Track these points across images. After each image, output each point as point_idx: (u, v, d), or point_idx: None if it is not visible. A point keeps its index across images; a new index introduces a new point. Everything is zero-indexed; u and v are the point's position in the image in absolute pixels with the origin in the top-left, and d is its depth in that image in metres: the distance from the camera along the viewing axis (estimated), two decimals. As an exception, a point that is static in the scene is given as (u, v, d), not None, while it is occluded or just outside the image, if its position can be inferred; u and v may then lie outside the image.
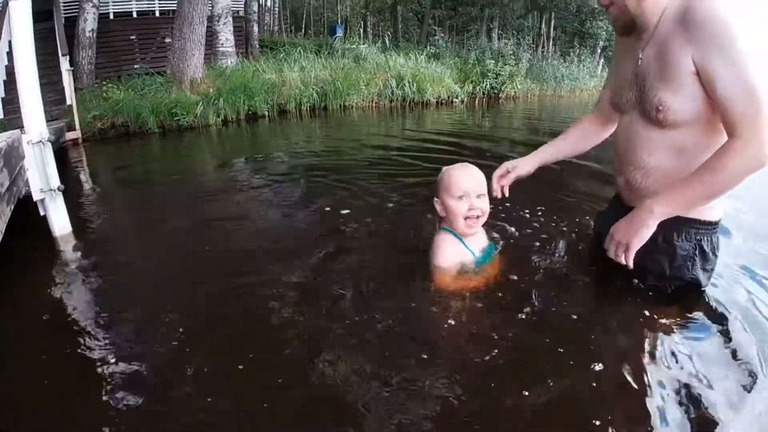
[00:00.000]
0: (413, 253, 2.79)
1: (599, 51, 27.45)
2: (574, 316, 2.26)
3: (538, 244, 2.97)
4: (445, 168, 2.62)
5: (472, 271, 2.56)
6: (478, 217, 2.51)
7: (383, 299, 2.40)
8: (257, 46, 17.23)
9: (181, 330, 2.18)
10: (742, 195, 2.67)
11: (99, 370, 1.89)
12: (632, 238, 2.12)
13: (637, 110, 2.26)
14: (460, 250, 2.58)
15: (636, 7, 2.13)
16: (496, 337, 2.08)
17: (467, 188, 2.48)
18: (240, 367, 1.91)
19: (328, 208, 3.81)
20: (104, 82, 9.92)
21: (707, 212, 2.19)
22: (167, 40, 12.93)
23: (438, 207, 2.60)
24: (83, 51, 11.87)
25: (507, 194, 2.70)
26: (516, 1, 24.60)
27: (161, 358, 1.99)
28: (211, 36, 12.65)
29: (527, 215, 3.47)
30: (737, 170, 1.90)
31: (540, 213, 3.50)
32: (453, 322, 2.20)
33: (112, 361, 1.94)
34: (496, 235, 2.95)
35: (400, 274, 2.62)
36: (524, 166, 2.70)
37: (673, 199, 2.06)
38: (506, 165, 2.69)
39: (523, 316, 2.23)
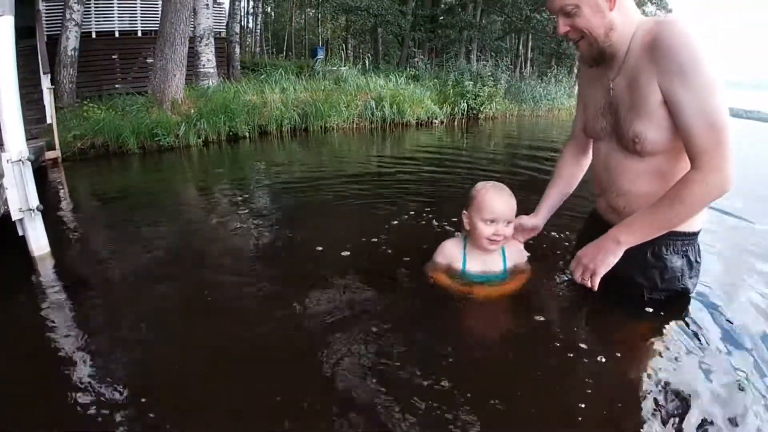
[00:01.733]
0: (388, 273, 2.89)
1: (576, 71, 27.81)
2: (568, 328, 2.38)
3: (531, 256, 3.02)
4: (480, 185, 2.72)
5: (458, 277, 2.67)
6: (499, 240, 2.61)
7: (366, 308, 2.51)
8: (239, 67, 17.30)
9: (158, 351, 2.23)
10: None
11: (76, 391, 1.90)
12: (599, 265, 2.20)
13: (614, 139, 2.30)
14: (456, 255, 2.71)
15: (605, 39, 2.16)
16: (488, 344, 2.18)
17: (499, 214, 2.58)
18: (222, 384, 1.97)
19: (303, 231, 3.89)
20: (85, 102, 9.92)
21: (690, 223, 2.26)
22: (149, 60, 12.93)
23: (465, 220, 2.71)
24: (65, 69, 11.85)
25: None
26: (494, 23, 24.91)
27: (139, 378, 2.01)
28: (193, 57, 12.69)
29: None
30: (696, 201, 1.98)
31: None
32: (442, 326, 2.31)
33: (90, 382, 1.96)
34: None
35: (381, 293, 2.71)
36: (536, 226, 2.84)
37: (637, 228, 2.14)
38: (521, 222, 2.79)
39: (518, 325, 2.33)
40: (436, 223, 4.03)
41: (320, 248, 3.40)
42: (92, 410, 1.78)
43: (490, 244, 2.63)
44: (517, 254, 2.77)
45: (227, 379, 2.01)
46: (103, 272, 3.27)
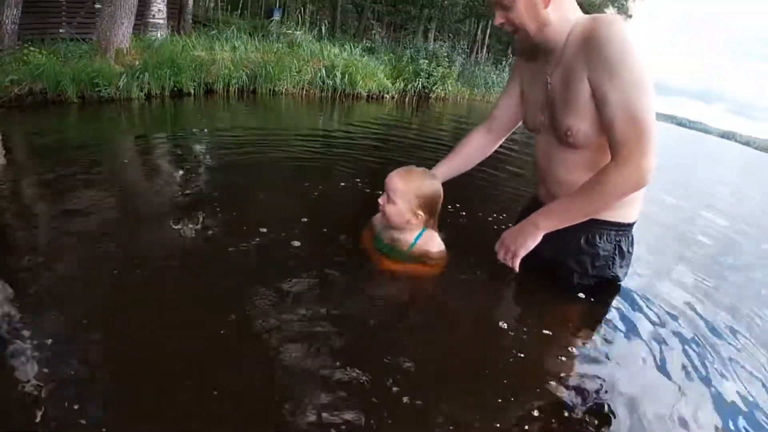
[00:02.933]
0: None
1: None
2: (496, 310, 2.49)
3: (460, 242, 3.09)
4: None
5: (376, 242, 2.88)
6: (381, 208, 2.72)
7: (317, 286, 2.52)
8: (190, 20, 16.83)
9: (85, 320, 2.11)
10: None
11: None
12: (519, 247, 2.32)
13: (551, 132, 2.41)
14: (376, 224, 2.95)
15: (538, 34, 2.26)
16: (412, 337, 2.22)
17: (386, 185, 2.69)
18: (166, 365, 1.91)
19: (240, 199, 3.88)
20: (26, 45, 9.55)
21: (624, 214, 2.41)
22: (97, 5, 12.50)
23: None
24: (8, 9, 11.26)
25: None
26: (455, 5, 24.87)
27: (68, 346, 1.93)
28: (143, 6, 12.29)
29: (453, 216, 3.72)
30: (611, 191, 2.09)
31: (462, 214, 3.79)
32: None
33: (16, 347, 1.87)
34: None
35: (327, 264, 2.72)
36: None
37: (554, 215, 2.26)
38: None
39: (448, 317, 2.39)
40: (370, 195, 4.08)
41: (254, 217, 3.40)
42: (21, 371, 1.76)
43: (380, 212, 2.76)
44: (430, 243, 2.80)
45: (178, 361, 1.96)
46: (31, 231, 3.10)
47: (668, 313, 2.73)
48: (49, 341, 1.92)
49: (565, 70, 2.19)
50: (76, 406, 1.63)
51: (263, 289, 2.40)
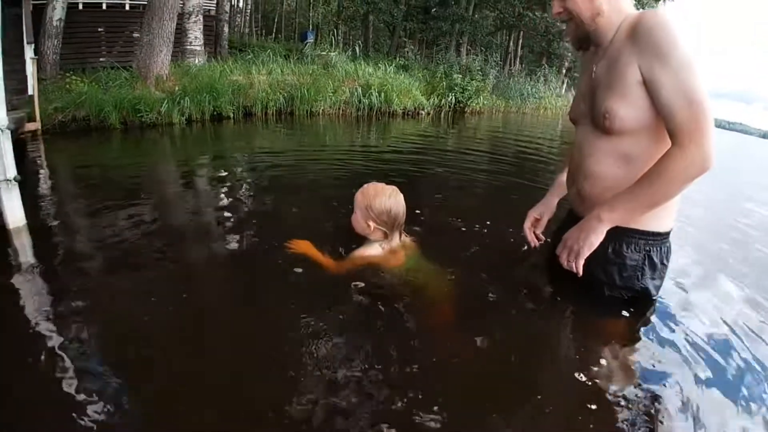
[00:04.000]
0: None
1: (564, 71, 27.94)
2: (530, 326, 2.38)
3: (497, 257, 3.08)
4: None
5: None
6: None
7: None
8: (226, 46, 17.16)
9: (129, 328, 2.18)
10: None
11: (44, 368, 1.87)
12: (582, 245, 2.22)
13: (588, 120, 2.37)
14: None
15: (591, 23, 2.27)
16: (454, 350, 2.15)
17: None
18: (194, 364, 1.96)
19: (279, 217, 3.88)
20: (68, 74, 9.77)
21: (656, 223, 2.29)
22: (135, 34, 12.79)
23: None
24: (49, 40, 11.65)
25: (541, 239, 2.87)
26: (486, 18, 24.94)
27: (109, 355, 1.98)
28: (181, 33, 12.55)
29: (483, 230, 3.59)
30: (676, 177, 1.99)
31: (490, 228, 3.64)
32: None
33: (56, 358, 1.92)
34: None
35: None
36: (549, 209, 2.88)
37: (618, 206, 2.16)
38: (533, 214, 2.88)
39: (483, 329, 2.30)
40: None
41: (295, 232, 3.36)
42: (60, 385, 1.77)
43: None
44: (361, 249, 2.90)
45: (200, 362, 2.00)
46: (78, 248, 3.18)
47: (710, 331, 2.47)
48: (97, 355, 1.96)
49: (612, 57, 2.19)
50: (119, 415, 1.66)
51: (306, 303, 2.40)
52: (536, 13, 24.17)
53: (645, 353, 2.21)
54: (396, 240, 2.90)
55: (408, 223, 2.99)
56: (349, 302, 2.46)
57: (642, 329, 2.39)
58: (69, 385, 1.77)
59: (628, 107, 2.13)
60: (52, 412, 1.68)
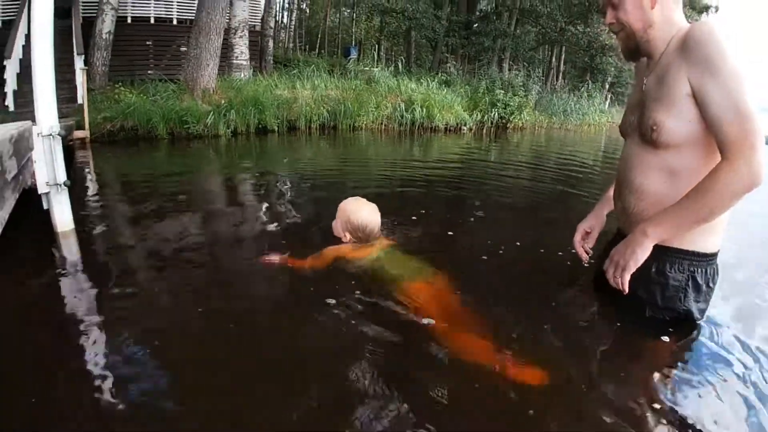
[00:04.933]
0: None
1: (607, 87, 27.62)
2: (568, 344, 2.27)
3: (538, 274, 3.00)
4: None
5: None
6: None
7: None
8: (271, 61, 17.37)
9: (171, 335, 2.21)
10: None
11: (86, 368, 1.89)
12: (628, 260, 2.14)
13: (636, 133, 2.31)
14: None
15: (643, 34, 2.24)
16: (493, 366, 2.08)
17: None
18: (234, 372, 1.93)
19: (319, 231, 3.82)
20: (117, 85, 9.99)
21: (701, 243, 2.20)
22: (183, 48, 13.04)
23: None
24: (98, 52, 11.94)
25: (590, 253, 2.76)
26: (528, 33, 24.83)
27: (149, 360, 1.99)
28: (227, 48, 12.78)
29: (525, 248, 3.51)
30: (725, 192, 1.92)
31: (532, 245, 3.55)
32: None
33: (100, 361, 1.94)
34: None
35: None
36: (599, 221, 2.78)
37: (665, 220, 2.08)
38: (583, 227, 2.78)
39: (521, 346, 2.23)
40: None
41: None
42: (104, 383, 1.79)
43: None
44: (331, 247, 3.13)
45: (236, 366, 2.00)
46: (122, 252, 3.24)
47: (760, 361, 2.29)
48: (136, 353, 2.00)
49: (662, 70, 2.13)
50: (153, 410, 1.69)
51: (345, 315, 2.37)
52: (578, 28, 23.97)
53: (684, 379, 2.07)
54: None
55: (447, 239, 2.93)
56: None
57: (684, 354, 2.25)
58: (108, 382, 1.80)
59: (676, 120, 2.07)
60: (95, 405, 1.70)
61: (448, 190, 5.83)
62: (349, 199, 3.27)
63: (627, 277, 2.15)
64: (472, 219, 4.21)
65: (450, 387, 1.87)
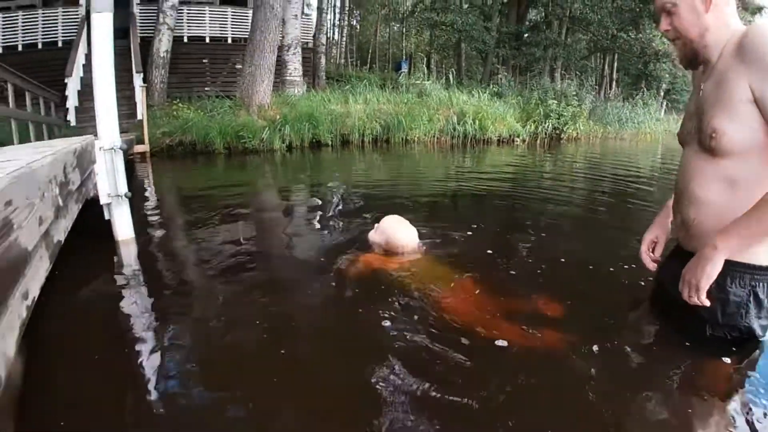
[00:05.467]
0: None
1: (662, 94, 26.99)
2: (630, 365, 2.20)
3: (597, 290, 2.94)
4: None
5: None
6: None
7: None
8: (324, 77, 17.59)
9: (222, 342, 2.25)
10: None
11: (142, 371, 1.95)
12: (700, 278, 2.04)
13: (695, 141, 2.22)
14: None
15: (699, 40, 2.13)
16: (554, 383, 2.04)
17: None
18: (281, 382, 1.94)
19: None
20: (175, 101, 10.26)
21: (764, 256, 2.09)
22: (238, 65, 13.31)
23: None
24: (156, 70, 12.32)
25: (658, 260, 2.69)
26: (579, 42, 24.49)
27: (204, 366, 2.03)
28: (281, 65, 12.99)
29: (584, 261, 3.41)
30: None
31: (599, 263, 3.43)
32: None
33: (157, 365, 1.99)
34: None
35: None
36: (664, 230, 2.67)
37: (734, 234, 1.98)
38: (649, 237, 2.67)
39: (582, 360, 2.17)
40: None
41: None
42: (159, 387, 1.85)
43: None
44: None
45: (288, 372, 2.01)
46: (179, 261, 3.33)
47: None
48: (189, 356, 2.08)
49: (720, 74, 2.03)
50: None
51: (407, 328, 2.33)
52: (630, 34, 23.53)
53: (746, 400, 1.97)
54: None
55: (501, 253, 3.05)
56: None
57: (746, 373, 2.14)
58: (157, 385, 1.87)
59: (736, 126, 1.97)
60: (141, 407, 1.75)
61: (501, 202, 5.77)
62: (391, 217, 3.46)
63: (703, 295, 2.07)
64: (527, 232, 4.12)
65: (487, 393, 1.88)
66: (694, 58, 2.21)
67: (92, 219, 3.45)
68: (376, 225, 3.48)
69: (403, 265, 3.16)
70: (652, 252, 2.66)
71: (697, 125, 2.19)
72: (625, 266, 3.18)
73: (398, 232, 3.37)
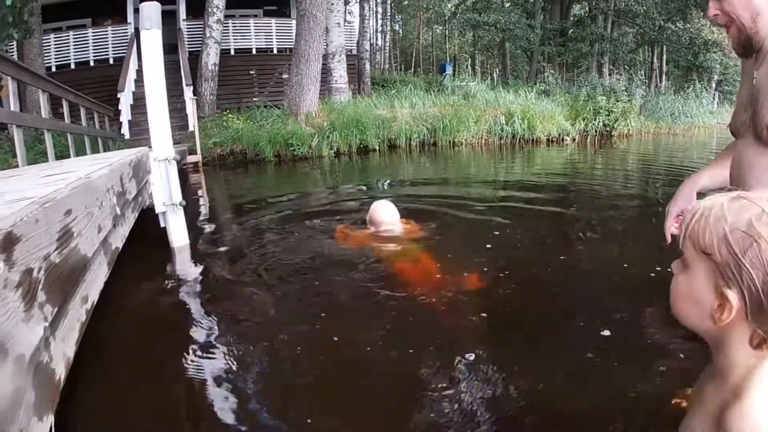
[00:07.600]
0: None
1: (714, 85, 26.19)
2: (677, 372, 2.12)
3: (650, 295, 2.78)
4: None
5: None
6: None
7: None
8: (369, 82, 17.66)
9: (277, 346, 2.27)
10: None
11: (196, 375, 2.01)
12: None
13: (750, 132, 2.12)
14: None
15: (752, 24, 2.01)
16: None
17: None
18: (330, 388, 1.96)
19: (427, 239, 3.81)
20: (224, 112, 10.46)
21: None
22: (284, 75, 13.50)
23: None
24: (205, 83, 12.58)
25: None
26: (626, 35, 23.97)
27: (255, 370, 2.06)
28: (326, 73, 13.11)
29: (635, 264, 3.30)
30: None
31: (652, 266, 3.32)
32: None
33: (209, 369, 2.04)
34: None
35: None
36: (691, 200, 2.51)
37: None
38: (675, 211, 2.48)
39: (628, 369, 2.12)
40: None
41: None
42: (210, 389, 1.90)
43: None
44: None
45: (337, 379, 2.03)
46: (232, 266, 3.37)
47: None
48: (242, 357, 2.14)
49: None
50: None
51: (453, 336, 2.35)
52: (678, 25, 22.92)
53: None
54: None
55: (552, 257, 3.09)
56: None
57: None
58: (215, 379, 1.94)
59: None
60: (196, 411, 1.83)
61: (551, 204, 5.63)
62: (380, 200, 3.96)
63: None
64: (577, 235, 4.10)
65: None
66: (749, 45, 2.11)
67: (148, 227, 3.55)
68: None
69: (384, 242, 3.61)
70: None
71: (752, 116, 2.10)
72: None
73: (380, 211, 3.80)
